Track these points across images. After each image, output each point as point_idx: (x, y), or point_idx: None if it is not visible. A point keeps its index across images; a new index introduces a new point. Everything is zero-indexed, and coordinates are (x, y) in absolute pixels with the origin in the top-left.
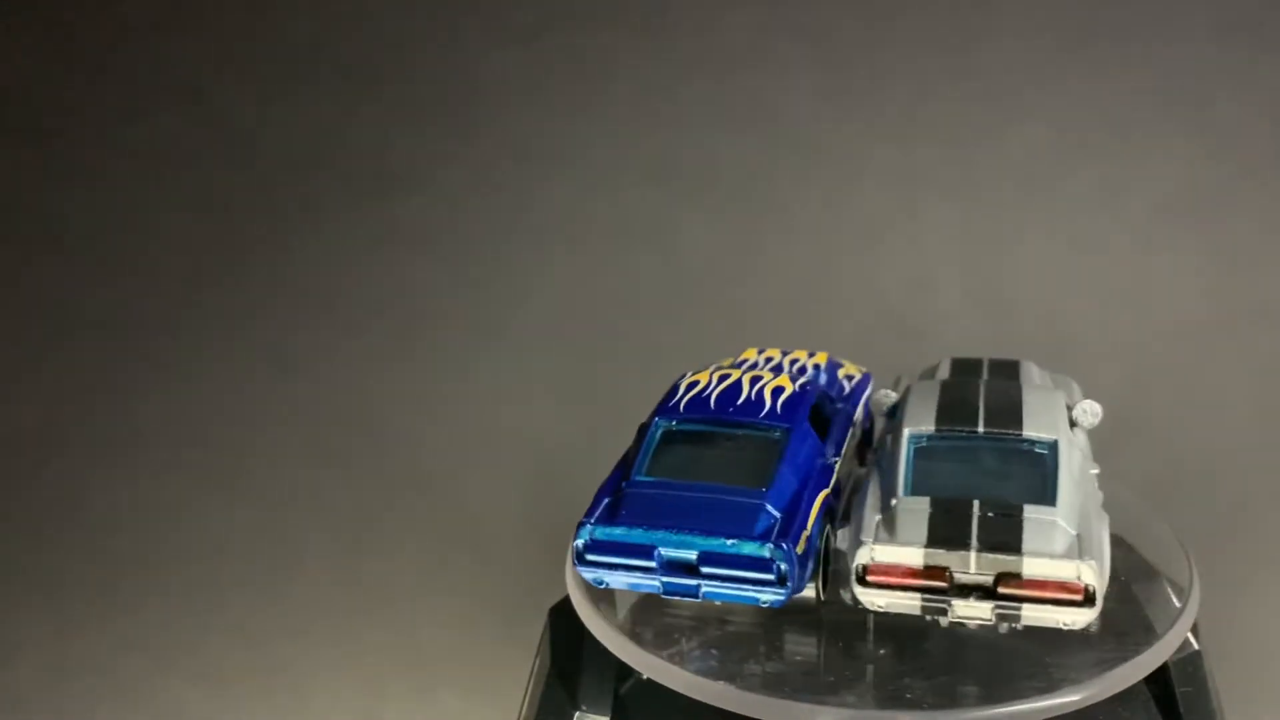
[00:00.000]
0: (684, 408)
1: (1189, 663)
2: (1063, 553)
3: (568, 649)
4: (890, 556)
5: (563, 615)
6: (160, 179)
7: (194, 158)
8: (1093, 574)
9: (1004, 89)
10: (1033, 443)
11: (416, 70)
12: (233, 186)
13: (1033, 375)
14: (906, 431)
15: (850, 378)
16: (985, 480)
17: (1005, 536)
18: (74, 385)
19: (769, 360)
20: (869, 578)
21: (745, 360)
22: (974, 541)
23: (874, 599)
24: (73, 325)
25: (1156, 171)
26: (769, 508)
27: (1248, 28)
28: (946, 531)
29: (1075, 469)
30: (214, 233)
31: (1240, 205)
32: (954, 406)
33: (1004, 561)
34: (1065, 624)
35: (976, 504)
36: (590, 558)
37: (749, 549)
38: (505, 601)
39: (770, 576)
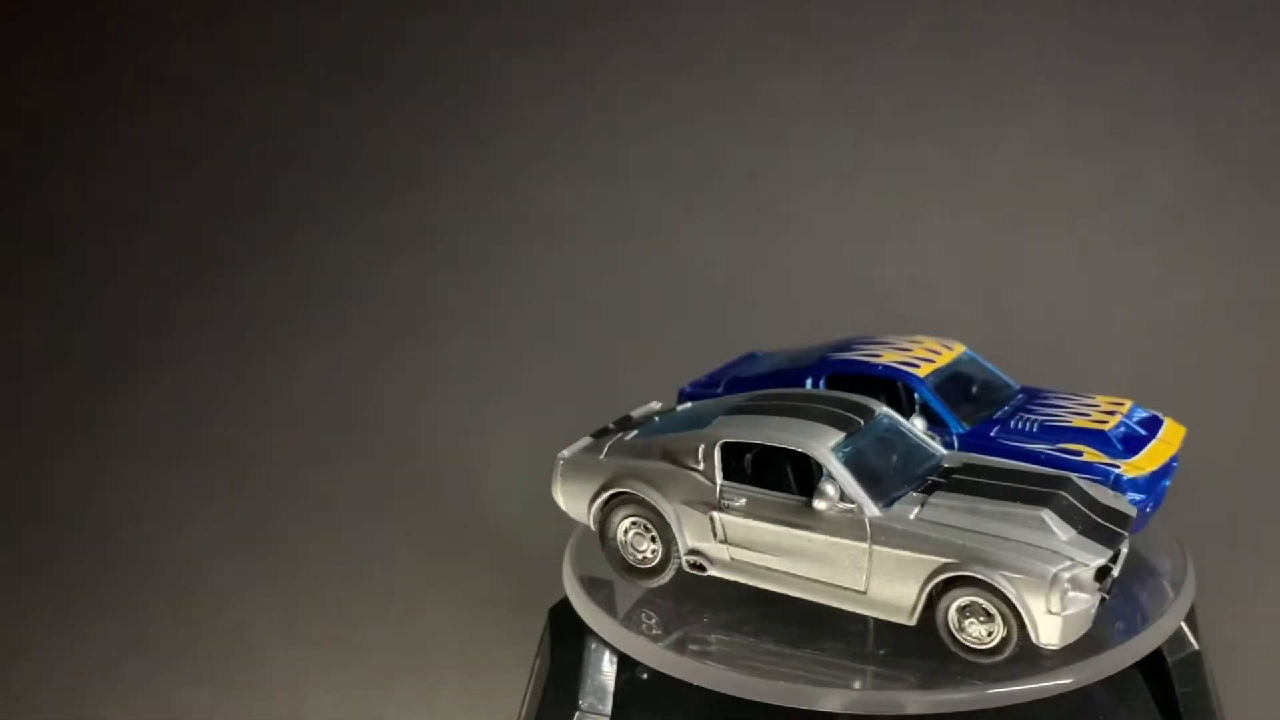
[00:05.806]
0: (843, 340)
1: (1189, 663)
2: (560, 480)
3: (568, 649)
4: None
5: (563, 615)
6: (160, 179)
7: (194, 158)
8: (557, 493)
9: (1004, 88)
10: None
11: (417, 70)
12: (233, 186)
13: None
14: (742, 395)
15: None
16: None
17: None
18: (74, 385)
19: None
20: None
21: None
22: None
23: None
24: (72, 324)
25: (1157, 171)
26: (720, 390)
27: (1248, 28)
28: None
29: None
30: (214, 233)
31: (1240, 205)
32: (773, 397)
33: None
34: None
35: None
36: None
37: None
38: (505, 601)
39: None
